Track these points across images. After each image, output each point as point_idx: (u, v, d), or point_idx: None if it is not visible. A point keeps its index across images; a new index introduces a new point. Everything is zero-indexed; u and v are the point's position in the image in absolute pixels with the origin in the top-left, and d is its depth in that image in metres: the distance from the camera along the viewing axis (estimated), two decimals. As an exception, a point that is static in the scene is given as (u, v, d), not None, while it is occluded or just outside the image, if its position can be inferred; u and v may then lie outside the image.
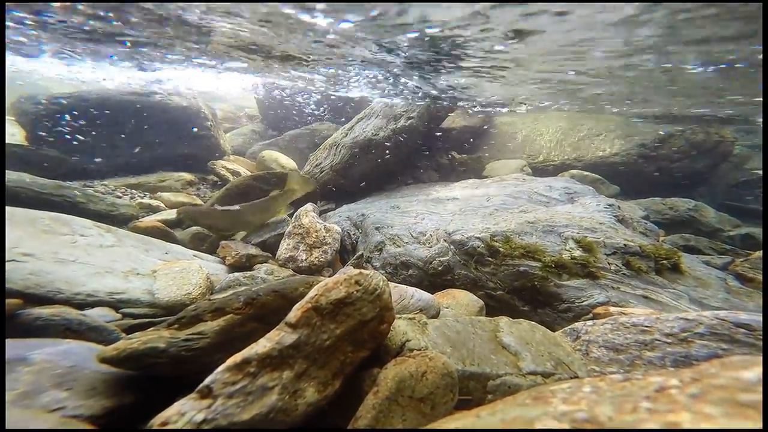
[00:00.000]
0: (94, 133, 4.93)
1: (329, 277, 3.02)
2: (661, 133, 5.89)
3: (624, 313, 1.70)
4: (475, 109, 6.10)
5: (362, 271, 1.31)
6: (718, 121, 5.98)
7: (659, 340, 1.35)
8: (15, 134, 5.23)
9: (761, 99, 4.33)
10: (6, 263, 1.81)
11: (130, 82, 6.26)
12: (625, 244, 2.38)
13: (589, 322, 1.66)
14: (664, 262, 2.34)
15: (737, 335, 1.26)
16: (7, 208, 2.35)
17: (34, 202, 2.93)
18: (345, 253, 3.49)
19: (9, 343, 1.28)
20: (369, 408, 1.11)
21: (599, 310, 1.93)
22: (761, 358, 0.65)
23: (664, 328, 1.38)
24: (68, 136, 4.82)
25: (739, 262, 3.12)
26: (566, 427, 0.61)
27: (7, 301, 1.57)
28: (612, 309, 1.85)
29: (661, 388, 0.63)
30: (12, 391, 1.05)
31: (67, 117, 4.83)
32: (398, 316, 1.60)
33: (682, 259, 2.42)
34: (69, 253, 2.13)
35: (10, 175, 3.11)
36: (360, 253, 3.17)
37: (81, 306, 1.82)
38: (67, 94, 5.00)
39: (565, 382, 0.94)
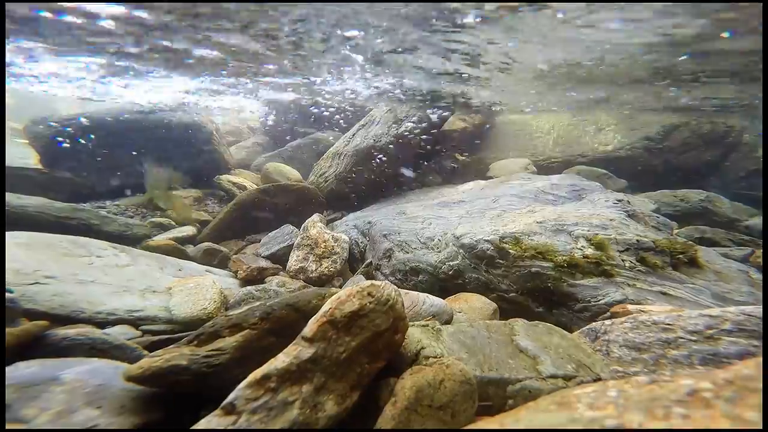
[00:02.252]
0: (102, 153, 5.07)
1: (340, 286, 3.03)
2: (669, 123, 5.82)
3: (643, 311, 1.67)
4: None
5: (374, 282, 1.31)
6: (725, 111, 5.89)
7: (683, 338, 1.32)
8: (29, 157, 5.40)
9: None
10: (30, 286, 1.87)
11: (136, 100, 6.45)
12: (637, 240, 2.34)
13: (608, 322, 1.63)
14: (680, 256, 2.29)
15: None
16: (28, 233, 2.44)
17: (52, 226, 3.02)
18: (354, 261, 3.50)
19: (40, 363, 1.32)
20: (388, 419, 1.11)
21: (617, 308, 1.89)
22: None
23: (687, 326, 1.35)
24: (78, 158, 4.96)
25: (759, 253, 3.03)
26: (596, 433, 0.60)
27: (34, 322, 1.62)
28: (630, 307, 1.82)
29: (693, 391, 0.61)
30: (48, 411, 1.09)
31: (77, 138, 4.97)
32: (411, 323, 1.59)
33: (699, 253, 2.36)
34: (88, 274, 2.19)
35: (29, 200, 3.21)
36: (369, 261, 3.18)
37: (102, 324, 1.86)
38: (75, 115, 5.15)
39: (588, 385, 0.93)
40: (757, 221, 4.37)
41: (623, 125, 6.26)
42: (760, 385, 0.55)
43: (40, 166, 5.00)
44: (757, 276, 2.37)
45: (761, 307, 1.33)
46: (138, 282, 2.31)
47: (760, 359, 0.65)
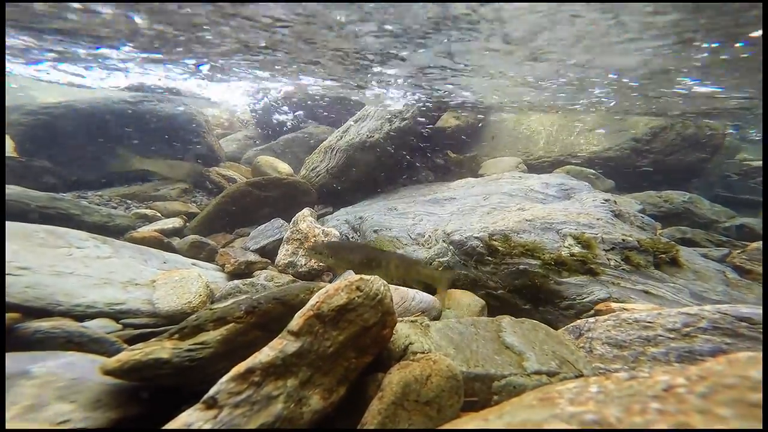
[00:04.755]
0: (85, 142, 4.88)
1: (329, 282, 3.02)
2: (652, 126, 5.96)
3: (626, 309, 1.72)
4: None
5: (363, 276, 1.30)
6: (705, 114, 6.06)
7: (662, 336, 1.36)
8: (4, 145, 5.15)
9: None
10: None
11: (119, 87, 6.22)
12: (623, 239, 2.40)
13: (591, 319, 1.67)
14: (662, 256, 2.36)
15: (740, 329, 1.27)
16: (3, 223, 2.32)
17: (27, 216, 2.90)
18: (345, 256, 3.48)
19: (10, 356, 1.26)
20: (375, 413, 1.11)
21: (601, 306, 1.94)
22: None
23: (666, 324, 1.39)
24: (59, 147, 4.77)
25: (736, 254, 3.15)
26: (575, 428, 0.61)
27: (6, 314, 1.55)
28: (613, 305, 1.86)
29: (669, 387, 0.63)
30: (16, 405, 1.04)
31: (57, 127, 4.77)
32: (400, 319, 1.59)
33: (680, 253, 2.44)
34: (66, 266, 2.11)
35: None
36: (360, 256, 3.17)
37: (81, 318, 1.80)
38: (56, 103, 4.94)
39: (570, 381, 0.94)
40: (734, 223, 4.54)
41: (612, 126, 6.38)
42: (731, 381, 0.58)
43: (15, 155, 4.77)
44: (733, 276, 2.47)
45: (736, 306, 1.38)
46: (120, 274, 2.24)
47: (731, 356, 0.68)
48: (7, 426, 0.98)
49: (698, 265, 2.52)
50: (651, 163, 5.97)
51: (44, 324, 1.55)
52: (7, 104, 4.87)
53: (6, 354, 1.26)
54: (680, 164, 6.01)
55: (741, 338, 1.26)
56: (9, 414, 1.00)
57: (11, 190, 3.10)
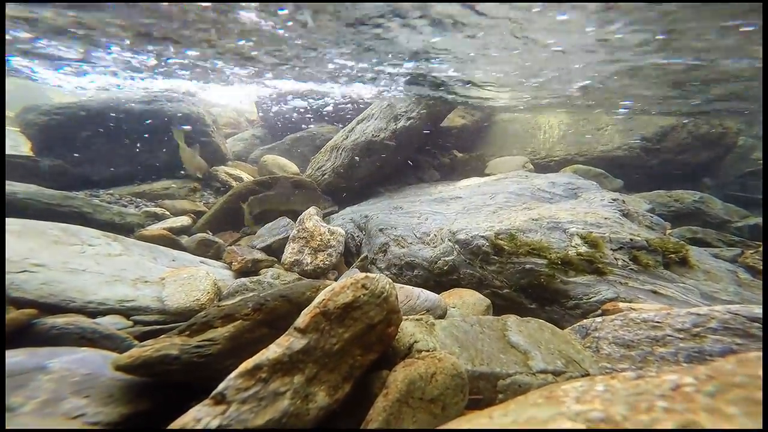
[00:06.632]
0: (97, 142, 4.99)
1: (334, 279, 3.04)
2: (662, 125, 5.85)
3: (633, 309, 1.69)
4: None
5: (368, 274, 1.31)
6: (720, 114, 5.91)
7: (671, 336, 1.34)
8: (20, 145, 5.31)
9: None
10: (19, 274, 1.85)
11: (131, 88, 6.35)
12: (631, 239, 2.37)
13: (598, 319, 1.65)
14: (671, 255, 2.32)
15: (752, 329, 1.25)
16: (18, 220, 2.39)
17: (42, 214, 2.98)
18: (349, 255, 3.50)
19: (27, 351, 1.31)
20: (379, 410, 1.12)
21: (608, 306, 1.92)
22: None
23: (675, 324, 1.37)
24: (72, 146, 4.88)
25: (749, 254, 3.09)
26: (581, 427, 0.61)
27: (22, 310, 1.61)
28: (621, 305, 1.84)
29: (677, 386, 0.63)
30: (34, 400, 1.08)
31: (71, 126, 4.89)
32: (405, 317, 1.60)
33: (690, 253, 2.39)
34: (79, 263, 2.16)
35: (19, 187, 3.16)
36: (365, 254, 3.18)
37: (93, 314, 1.85)
38: (69, 103, 5.06)
39: (576, 380, 0.94)
40: (747, 222, 4.43)
41: (621, 125, 6.27)
42: (740, 381, 0.57)
43: (31, 154, 4.91)
44: (745, 276, 2.41)
45: (747, 306, 1.35)
46: (130, 272, 2.29)
47: (741, 356, 0.67)
48: (24, 420, 1.02)
49: (709, 265, 2.47)
50: (661, 163, 5.86)
51: (59, 320, 1.60)
52: (23, 104, 5.01)
53: (24, 349, 1.31)
54: (692, 163, 5.89)
55: (753, 339, 1.24)
56: (28, 407, 1.04)
57: (27, 188, 3.19)
